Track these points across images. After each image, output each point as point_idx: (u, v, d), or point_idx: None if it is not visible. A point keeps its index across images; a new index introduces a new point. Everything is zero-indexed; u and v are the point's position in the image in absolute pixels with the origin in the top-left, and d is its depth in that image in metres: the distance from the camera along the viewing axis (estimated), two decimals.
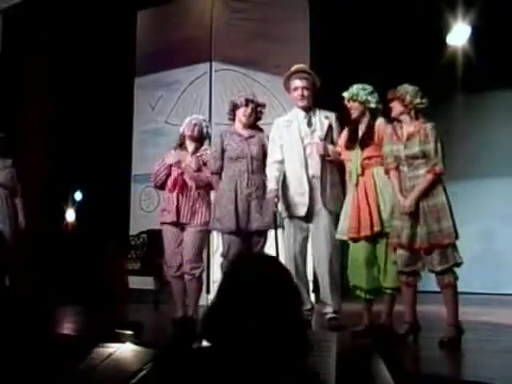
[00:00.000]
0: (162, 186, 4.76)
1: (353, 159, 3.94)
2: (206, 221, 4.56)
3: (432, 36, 6.71)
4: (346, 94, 4.01)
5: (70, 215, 8.78)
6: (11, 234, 5.82)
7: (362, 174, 3.90)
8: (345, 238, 3.96)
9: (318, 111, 4.31)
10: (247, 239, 4.37)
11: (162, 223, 4.71)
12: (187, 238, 4.58)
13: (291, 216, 4.20)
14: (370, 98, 3.95)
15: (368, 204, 3.83)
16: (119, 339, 2.72)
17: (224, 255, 4.35)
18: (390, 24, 6.77)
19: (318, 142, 4.16)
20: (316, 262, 4.19)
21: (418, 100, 3.62)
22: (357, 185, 3.91)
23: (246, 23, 7.01)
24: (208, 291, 6.01)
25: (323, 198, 4.13)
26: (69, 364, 2.72)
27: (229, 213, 4.29)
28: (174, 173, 4.63)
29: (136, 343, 2.69)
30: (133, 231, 7.17)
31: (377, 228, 3.77)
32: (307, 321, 4.18)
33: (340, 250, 4.19)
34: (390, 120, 3.83)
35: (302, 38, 7.11)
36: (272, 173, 4.22)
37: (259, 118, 4.56)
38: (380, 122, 3.95)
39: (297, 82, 4.27)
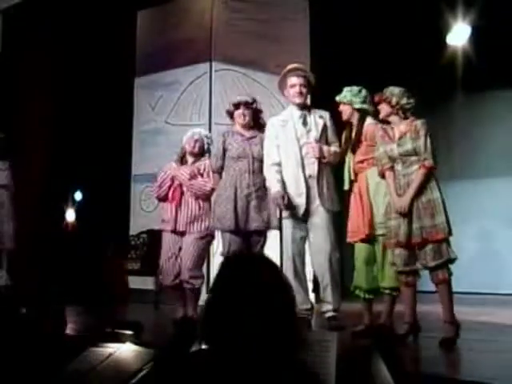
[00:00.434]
0: (164, 198, 4.78)
1: (346, 164, 3.98)
2: (205, 227, 4.58)
3: (432, 36, 6.71)
4: (337, 98, 4.09)
5: (70, 215, 8.78)
6: (13, 235, 5.82)
7: (356, 178, 3.96)
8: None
9: (312, 111, 4.32)
10: (247, 239, 4.38)
11: (161, 229, 4.75)
12: (186, 245, 4.60)
13: (289, 216, 4.20)
14: (354, 98, 4.00)
15: (362, 207, 3.87)
16: (119, 339, 2.72)
17: (224, 254, 4.36)
18: (390, 24, 6.78)
19: (313, 145, 4.17)
20: (316, 260, 4.18)
21: (404, 100, 3.67)
22: (351, 190, 3.98)
23: (246, 23, 7.01)
24: (208, 290, 6.01)
25: (321, 197, 4.14)
26: (69, 364, 2.72)
27: (228, 212, 4.30)
28: (174, 184, 4.69)
29: (136, 343, 2.69)
30: (133, 231, 7.17)
31: (368, 231, 3.82)
32: (307, 320, 4.18)
33: (340, 249, 4.20)
34: (380, 121, 3.85)
35: (302, 38, 7.12)
36: (274, 176, 4.20)
37: (258, 117, 4.56)
38: (368, 123, 3.98)
39: (294, 80, 4.26)
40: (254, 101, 4.54)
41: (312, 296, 5.18)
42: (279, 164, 4.22)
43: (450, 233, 3.49)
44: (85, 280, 6.72)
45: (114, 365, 2.59)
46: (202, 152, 4.78)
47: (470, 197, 8.18)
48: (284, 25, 7.06)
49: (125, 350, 2.65)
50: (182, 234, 4.63)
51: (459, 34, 6.83)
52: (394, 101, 3.66)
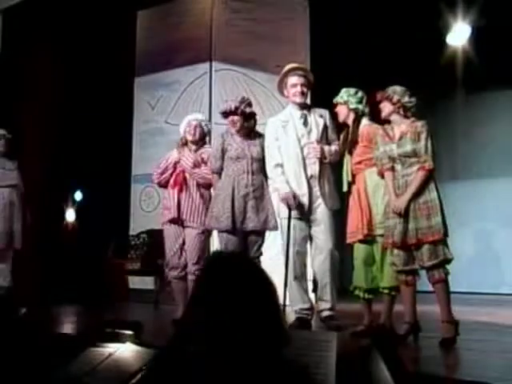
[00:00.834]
0: (164, 185, 4.80)
1: (343, 166, 4.00)
2: (205, 220, 4.60)
3: (432, 36, 6.71)
4: (334, 100, 4.10)
5: (70, 215, 8.78)
6: (22, 235, 5.82)
7: (354, 180, 3.97)
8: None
9: (312, 110, 4.33)
10: (244, 239, 4.38)
11: (164, 223, 4.75)
12: (189, 241, 4.64)
13: (291, 216, 4.20)
14: (350, 98, 4.02)
15: (361, 208, 3.89)
16: (119, 339, 2.72)
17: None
18: (390, 24, 6.78)
19: (315, 145, 4.18)
20: (317, 259, 4.20)
21: (406, 99, 3.68)
22: (350, 192, 3.99)
23: (246, 23, 7.02)
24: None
25: (323, 196, 4.16)
26: (69, 364, 2.72)
27: (225, 211, 4.31)
28: (177, 170, 4.70)
29: (136, 343, 2.69)
30: (133, 231, 7.18)
31: (367, 232, 3.83)
32: (307, 320, 4.19)
33: (340, 249, 4.21)
34: (379, 122, 3.86)
35: (302, 38, 7.12)
36: (280, 177, 4.22)
37: (248, 122, 4.47)
38: (364, 123, 4.00)
39: (295, 79, 4.27)
40: (238, 107, 4.39)
41: (312, 296, 5.18)
42: (282, 165, 4.23)
43: (445, 234, 3.49)
44: (85, 280, 6.71)
45: (114, 365, 2.59)
46: (202, 137, 4.79)
47: (470, 197, 8.19)
48: (284, 25, 7.07)
49: (125, 350, 2.65)
50: (183, 224, 4.65)
51: (459, 34, 6.84)
52: (395, 99, 3.67)
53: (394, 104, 3.69)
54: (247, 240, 4.39)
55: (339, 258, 4.16)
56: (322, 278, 4.14)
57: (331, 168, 4.25)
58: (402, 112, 3.69)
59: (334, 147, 4.21)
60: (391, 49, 7.07)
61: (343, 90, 4.08)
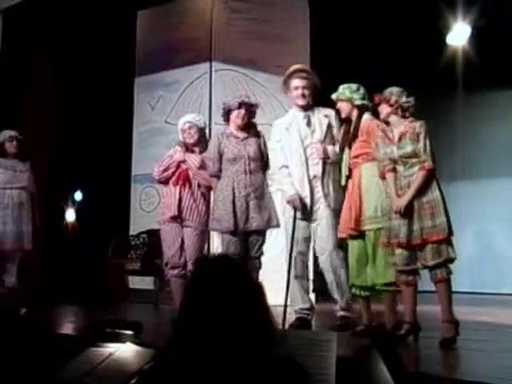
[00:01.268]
0: (165, 182, 4.80)
1: (343, 160, 4.00)
2: (205, 221, 4.61)
3: (432, 36, 6.71)
4: (333, 96, 4.10)
5: (70, 215, 8.77)
6: (31, 236, 5.83)
7: (350, 174, 3.97)
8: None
9: (317, 110, 4.33)
10: (246, 239, 4.38)
11: (163, 222, 4.74)
12: (189, 241, 4.66)
13: (294, 217, 4.22)
14: (354, 95, 4.01)
15: (352, 203, 3.89)
16: (119, 339, 2.72)
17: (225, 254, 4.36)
18: (390, 24, 6.78)
19: (317, 145, 4.18)
20: (320, 260, 4.21)
21: (403, 99, 3.68)
22: (347, 186, 3.99)
23: (246, 23, 7.01)
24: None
25: (326, 197, 4.17)
26: (68, 364, 2.72)
27: (227, 213, 4.31)
28: (179, 169, 4.72)
29: (136, 343, 2.69)
30: (133, 231, 7.18)
31: (354, 226, 3.83)
32: (307, 320, 4.19)
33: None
34: (378, 118, 3.86)
35: (302, 38, 7.11)
36: (286, 178, 4.26)
37: (252, 118, 4.56)
38: (366, 118, 4.00)
39: (297, 82, 4.28)
40: (256, 105, 4.55)
41: (312, 296, 5.18)
42: (287, 166, 4.25)
43: (450, 233, 3.50)
44: (85, 280, 6.71)
45: (114, 365, 2.59)
46: (202, 135, 4.80)
47: (471, 197, 8.19)
48: (284, 25, 7.06)
49: (125, 350, 2.66)
50: (182, 223, 4.66)
51: (459, 34, 6.83)
52: (392, 100, 3.68)
53: (391, 105, 3.69)
54: (248, 240, 4.39)
55: (343, 258, 4.15)
56: (327, 278, 4.18)
57: (335, 168, 4.24)
58: (400, 113, 3.69)
59: (338, 147, 4.21)
60: (391, 49, 7.07)
61: (344, 87, 4.05)
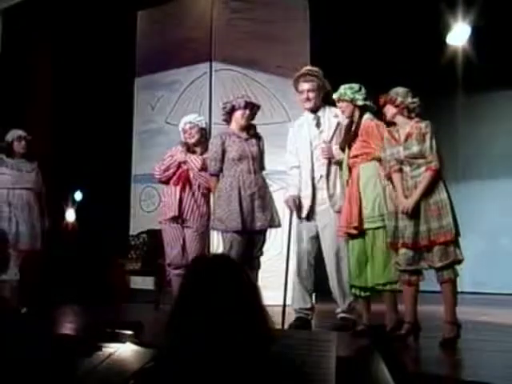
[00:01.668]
0: (166, 181, 4.81)
1: (344, 160, 4.00)
2: (206, 221, 4.62)
3: (432, 36, 6.71)
4: (334, 96, 4.09)
5: (70, 215, 8.77)
6: (40, 237, 5.82)
7: (350, 173, 3.97)
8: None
9: (327, 110, 4.34)
10: (250, 238, 4.39)
11: (164, 221, 4.75)
12: (191, 242, 4.70)
13: (299, 217, 4.27)
14: (356, 95, 4.00)
15: (351, 202, 3.89)
16: (119, 339, 2.72)
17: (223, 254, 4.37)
18: (390, 24, 6.78)
19: (322, 146, 4.20)
20: (326, 261, 4.23)
21: (409, 100, 3.68)
22: (347, 185, 4.00)
23: (246, 23, 7.01)
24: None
25: (329, 197, 4.17)
26: (68, 364, 2.72)
27: (233, 212, 4.30)
28: (180, 170, 4.74)
29: (136, 343, 2.69)
30: (133, 231, 7.17)
31: (354, 225, 3.83)
32: (306, 320, 4.19)
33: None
34: (386, 123, 3.85)
35: (302, 38, 7.11)
36: (292, 179, 4.33)
37: (253, 119, 4.58)
38: (366, 118, 3.99)
39: (302, 85, 4.32)
40: (259, 106, 4.59)
41: (313, 296, 5.18)
42: (298, 167, 4.28)
43: (457, 234, 3.49)
44: (85, 280, 6.71)
45: (114, 365, 2.59)
46: (203, 135, 4.81)
47: (471, 198, 8.18)
48: (284, 25, 7.06)
49: (125, 350, 2.65)
50: (183, 223, 4.66)
51: (459, 34, 6.83)
52: (398, 100, 3.66)
53: (397, 106, 3.68)
54: (251, 240, 4.40)
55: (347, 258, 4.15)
56: (330, 279, 4.19)
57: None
58: (405, 113, 3.68)
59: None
60: (391, 49, 7.06)
61: (345, 87, 4.03)
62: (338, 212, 4.13)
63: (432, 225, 3.49)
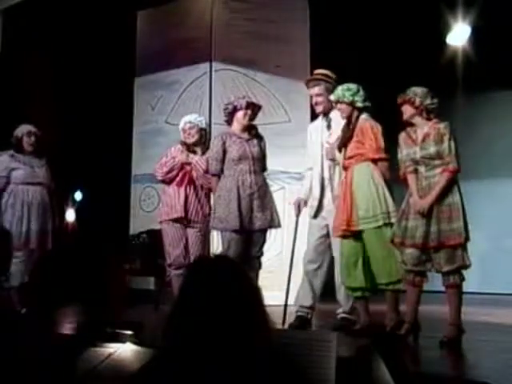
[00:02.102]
0: (169, 182, 4.81)
1: (341, 161, 4.01)
2: (208, 221, 4.63)
3: (432, 36, 6.70)
4: (332, 97, 4.06)
5: (70, 215, 8.77)
6: (51, 233, 5.78)
7: (345, 174, 3.98)
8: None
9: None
10: (249, 238, 4.39)
11: (165, 221, 4.75)
12: (194, 242, 4.72)
13: (307, 216, 4.36)
14: (355, 97, 3.98)
15: (344, 204, 3.88)
16: (119, 339, 2.72)
17: (223, 254, 4.37)
18: (390, 24, 6.77)
19: (327, 146, 4.23)
20: (334, 260, 4.25)
21: (428, 101, 3.63)
22: (341, 185, 4.02)
23: (246, 23, 7.01)
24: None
25: (334, 199, 4.20)
26: (68, 364, 2.72)
27: (232, 212, 4.31)
28: (184, 170, 4.75)
29: (136, 343, 2.69)
30: (133, 231, 7.17)
31: (346, 226, 3.82)
32: (306, 319, 4.20)
33: None
34: (401, 124, 3.82)
35: (302, 38, 7.11)
36: (304, 182, 4.47)
37: (254, 120, 4.59)
38: (361, 118, 3.98)
39: (311, 90, 4.39)
40: (260, 107, 4.60)
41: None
42: (311, 169, 4.36)
43: (467, 238, 3.48)
44: (84, 280, 6.70)
45: (114, 365, 2.59)
46: (203, 135, 4.82)
47: (472, 198, 8.16)
48: (284, 25, 7.06)
49: (125, 350, 2.66)
50: (187, 224, 4.67)
51: (459, 34, 6.83)
52: (417, 101, 3.61)
53: (416, 107, 3.63)
54: (250, 239, 4.40)
55: None
56: (336, 280, 4.21)
57: None
58: (424, 114, 3.63)
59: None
60: (391, 49, 7.06)
61: (343, 88, 4.00)
62: None
63: (442, 226, 3.47)
